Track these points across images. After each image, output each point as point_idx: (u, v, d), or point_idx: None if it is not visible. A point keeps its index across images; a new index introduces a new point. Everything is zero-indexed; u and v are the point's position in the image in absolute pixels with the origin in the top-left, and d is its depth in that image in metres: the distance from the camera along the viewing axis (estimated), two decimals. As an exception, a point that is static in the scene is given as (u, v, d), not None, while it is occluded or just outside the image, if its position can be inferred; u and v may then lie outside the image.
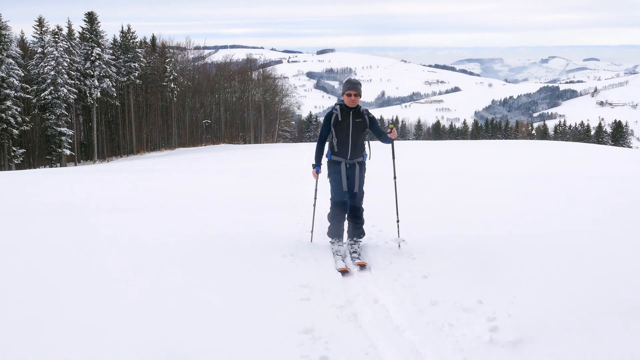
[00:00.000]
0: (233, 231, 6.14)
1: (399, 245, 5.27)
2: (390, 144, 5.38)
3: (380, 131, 5.29)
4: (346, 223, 5.37)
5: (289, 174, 13.70)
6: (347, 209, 5.29)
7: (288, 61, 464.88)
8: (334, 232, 5.30)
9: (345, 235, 5.50)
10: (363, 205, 5.39)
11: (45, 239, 5.73)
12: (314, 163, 5.38)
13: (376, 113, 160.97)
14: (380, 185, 8.31)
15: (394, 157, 5.58)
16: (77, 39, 46.77)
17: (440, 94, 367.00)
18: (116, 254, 5.12)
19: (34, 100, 41.24)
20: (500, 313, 3.52)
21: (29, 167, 41.42)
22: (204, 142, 57.80)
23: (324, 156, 5.34)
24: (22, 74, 40.00)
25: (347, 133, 5.13)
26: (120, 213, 7.44)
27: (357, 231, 5.33)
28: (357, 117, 5.15)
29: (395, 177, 5.67)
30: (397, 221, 5.56)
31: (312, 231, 5.77)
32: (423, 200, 8.31)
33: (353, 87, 5.14)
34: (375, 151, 5.64)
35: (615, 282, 4.10)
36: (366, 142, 5.36)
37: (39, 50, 42.34)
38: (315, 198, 5.87)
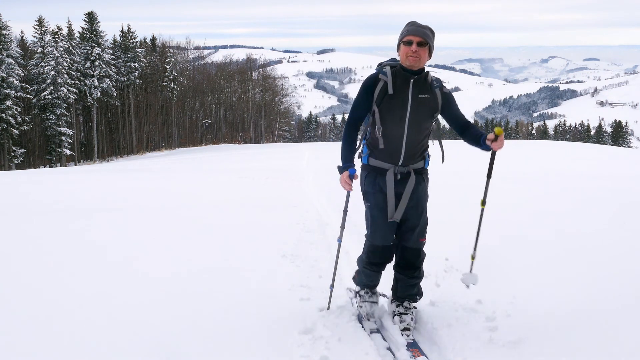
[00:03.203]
0: (232, 231, 6.14)
1: (468, 287, 3.49)
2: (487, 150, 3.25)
3: (462, 121, 3.32)
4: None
5: (289, 174, 13.70)
6: (394, 256, 3.48)
7: (288, 61, 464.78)
8: (366, 280, 3.55)
9: (381, 286, 3.65)
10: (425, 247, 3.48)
11: (42, 239, 5.73)
12: (342, 163, 3.31)
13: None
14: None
15: (489, 175, 3.40)
16: (77, 39, 46.78)
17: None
18: (115, 255, 5.12)
19: (34, 100, 41.24)
20: (500, 313, 3.52)
21: (29, 167, 41.41)
22: (204, 142, 57.80)
23: (357, 157, 3.47)
24: (22, 74, 40.01)
25: (403, 118, 3.15)
26: (121, 213, 7.44)
27: (412, 289, 3.47)
28: (421, 91, 3.16)
29: (484, 203, 3.44)
30: (473, 257, 3.52)
31: (331, 290, 3.71)
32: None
33: (418, 30, 3.10)
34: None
35: (616, 282, 4.10)
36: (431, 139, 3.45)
37: (39, 50, 42.35)
38: (342, 227, 3.59)
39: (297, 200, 8.72)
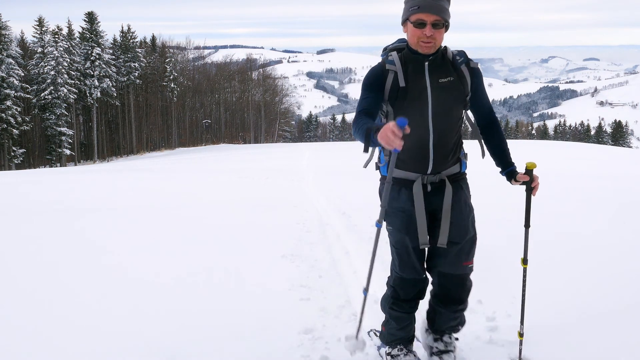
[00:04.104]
0: (232, 231, 6.14)
1: None
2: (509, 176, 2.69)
3: (487, 112, 2.70)
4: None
5: (289, 173, 13.70)
6: (425, 291, 2.82)
7: (288, 61, 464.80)
8: (397, 329, 2.83)
9: (418, 327, 2.99)
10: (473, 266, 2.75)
11: (42, 239, 5.73)
12: (369, 129, 2.25)
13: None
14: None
15: (527, 224, 2.84)
16: (77, 39, 46.80)
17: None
18: (115, 255, 5.12)
19: (34, 100, 41.24)
20: (500, 313, 3.52)
21: (29, 167, 41.42)
22: (204, 142, 57.82)
23: (374, 167, 2.81)
24: (22, 74, 40.02)
25: (424, 113, 2.51)
26: (121, 213, 7.44)
27: (454, 321, 2.83)
28: (442, 73, 2.52)
29: (525, 261, 2.84)
30: (520, 335, 2.87)
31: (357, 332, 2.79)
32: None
33: (432, 5, 2.38)
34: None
35: (616, 282, 4.10)
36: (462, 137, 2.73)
37: (39, 50, 42.36)
38: (373, 254, 2.66)
39: (297, 200, 8.72)
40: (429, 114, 2.51)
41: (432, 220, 2.65)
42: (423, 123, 2.52)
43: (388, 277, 2.86)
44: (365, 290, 2.73)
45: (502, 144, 2.70)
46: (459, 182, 2.68)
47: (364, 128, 2.26)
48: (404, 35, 2.62)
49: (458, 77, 2.54)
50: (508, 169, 2.67)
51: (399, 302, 2.77)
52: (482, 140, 2.72)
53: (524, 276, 2.87)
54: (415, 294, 2.76)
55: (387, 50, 2.69)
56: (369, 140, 2.22)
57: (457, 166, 2.67)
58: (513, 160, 2.70)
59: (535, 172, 2.64)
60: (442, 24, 2.42)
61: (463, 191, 2.68)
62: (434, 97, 2.50)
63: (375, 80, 2.55)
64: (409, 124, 2.13)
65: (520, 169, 2.67)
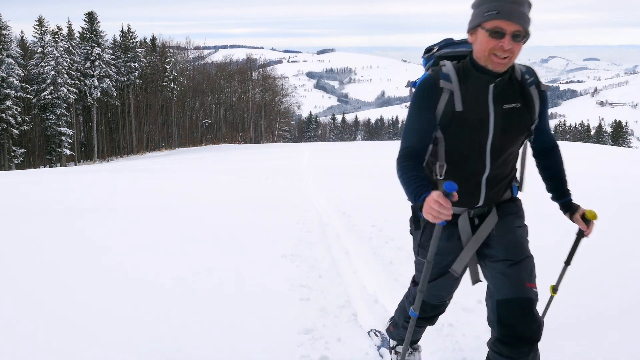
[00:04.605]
0: (232, 231, 6.14)
1: None
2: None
3: (548, 140, 2.35)
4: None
5: (289, 173, 13.70)
6: (447, 306, 2.60)
7: (288, 61, 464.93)
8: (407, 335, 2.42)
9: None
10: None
11: (42, 239, 5.73)
12: (419, 194, 1.93)
13: (376, 113, 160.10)
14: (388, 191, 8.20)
15: (568, 262, 2.72)
16: (77, 39, 46.82)
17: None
18: (115, 255, 5.12)
19: (34, 100, 41.26)
20: (500, 313, 3.52)
21: (29, 167, 41.43)
22: (204, 142, 57.85)
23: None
24: (22, 74, 40.05)
25: (482, 147, 2.11)
26: (121, 213, 7.44)
27: None
28: (508, 98, 2.09)
29: (555, 290, 2.73)
30: None
31: None
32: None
33: (514, 12, 1.93)
34: None
35: (616, 283, 4.10)
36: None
37: (39, 50, 42.38)
38: (412, 299, 2.56)
39: (297, 200, 8.71)
40: (487, 147, 2.09)
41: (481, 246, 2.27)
42: (479, 156, 2.11)
43: (408, 291, 2.63)
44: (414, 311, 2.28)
45: (561, 173, 2.38)
46: (512, 206, 2.31)
47: (412, 195, 1.95)
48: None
49: (525, 102, 2.10)
50: (564, 200, 2.38)
51: (417, 319, 2.47)
52: (538, 166, 2.41)
53: (548, 303, 2.77)
54: (435, 314, 2.59)
55: (434, 56, 2.21)
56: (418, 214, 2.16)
57: (507, 193, 2.30)
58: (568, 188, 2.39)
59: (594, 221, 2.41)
60: (522, 36, 1.95)
61: (518, 214, 2.32)
62: (497, 126, 2.07)
63: (428, 98, 2.09)
64: (462, 161, 2.05)
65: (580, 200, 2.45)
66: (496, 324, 2.11)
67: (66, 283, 4.24)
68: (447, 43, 2.25)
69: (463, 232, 2.23)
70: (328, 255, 5.13)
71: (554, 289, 2.67)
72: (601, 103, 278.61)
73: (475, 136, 2.08)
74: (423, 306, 2.45)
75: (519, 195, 2.39)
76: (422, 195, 1.89)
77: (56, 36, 42.35)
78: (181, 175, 14.08)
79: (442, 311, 2.60)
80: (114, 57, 48.74)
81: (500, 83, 2.05)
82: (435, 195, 1.79)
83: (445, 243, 2.26)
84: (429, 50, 2.29)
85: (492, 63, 1.99)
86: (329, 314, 3.62)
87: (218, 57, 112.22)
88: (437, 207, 1.78)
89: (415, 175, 1.99)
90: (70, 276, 4.42)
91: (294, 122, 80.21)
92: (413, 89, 2.20)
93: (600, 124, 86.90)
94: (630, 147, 74.61)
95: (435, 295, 2.46)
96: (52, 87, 40.77)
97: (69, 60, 42.63)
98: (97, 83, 45.20)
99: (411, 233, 2.44)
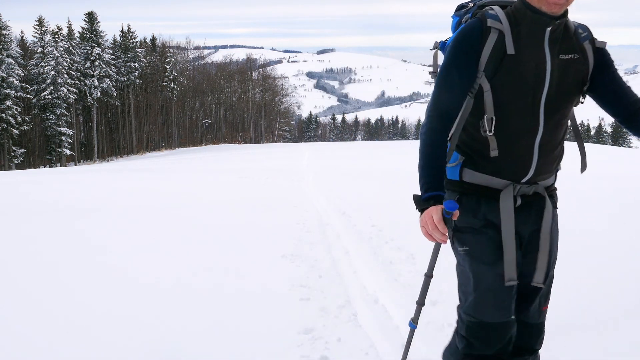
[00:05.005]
0: (232, 231, 6.14)
1: None
2: None
3: (629, 97, 1.94)
4: None
5: (289, 173, 13.71)
6: (513, 341, 1.98)
7: (288, 61, 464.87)
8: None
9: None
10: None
11: (42, 239, 5.73)
12: (424, 190, 1.80)
13: (376, 113, 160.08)
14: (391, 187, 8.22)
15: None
16: (77, 39, 46.84)
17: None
18: (115, 255, 5.12)
19: (34, 100, 41.28)
20: (500, 313, 3.52)
21: (29, 167, 41.43)
22: (204, 142, 57.87)
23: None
24: (22, 74, 40.07)
25: (537, 99, 1.81)
26: (120, 213, 7.44)
27: None
28: (564, 47, 1.83)
29: None
30: None
31: None
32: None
33: None
34: None
35: (616, 283, 4.10)
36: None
37: (39, 50, 42.40)
38: (418, 313, 2.28)
39: (297, 200, 8.71)
40: (542, 99, 1.80)
41: (523, 246, 1.97)
42: (531, 111, 1.80)
43: (456, 324, 2.04)
44: (413, 323, 2.23)
45: None
46: (553, 197, 2.04)
47: (423, 182, 1.79)
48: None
49: (582, 56, 1.85)
50: None
51: (472, 359, 1.92)
52: (626, 126, 1.98)
53: None
54: (498, 347, 1.89)
55: (475, 6, 1.94)
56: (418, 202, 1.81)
57: (552, 176, 2.01)
58: None
59: None
60: None
61: (555, 209, 2.05)
62: (553, 76, 1.79)
63: (470, 43, 1.79)
64: (513, 113, 1.76)
65: None
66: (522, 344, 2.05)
67: (66, 283, 4.23)
68: None
69: (506, 211, 1.84)
70: (328, 255, 5.13)
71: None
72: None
73: (528, 85, 1.79)
74: (482, 332, 1.90)
75: None
76: (428, 194, 1.76)
77: (56, 36, 42.37)
78: (181, 176, 14.08)
79: (508, 344, 1.92)
80: (114, 57, 48.75)
81: (558, 27, 1.78)
82: (433, 212, 1.69)
83: (483, 228, 1.88)
84: (463, 6, 2.03)
85: (546, 4, 1.73)
86: (329, 314, 3.61)
87: (218, 57, 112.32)
88: (431, 228, 1.70)
89: (434, 158, 1.81)
90: (70, 276, 4.42)
91: (294, 122, 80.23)
92: (442, 52, 2.04)
93: (600, 123, 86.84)
94: (630, 147, 74.53)
95: (495, 308, 1.87)
96: (52, 87, 40.78)
97: (69, 60, 42.65)
98: (97, 83, 45.20)
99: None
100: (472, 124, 1.89)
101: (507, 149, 1.82)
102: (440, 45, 2.10)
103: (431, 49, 2.17)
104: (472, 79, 1.81)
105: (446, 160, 1.91)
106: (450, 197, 1.94)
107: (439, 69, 1.93)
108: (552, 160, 1.92)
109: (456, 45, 1.83)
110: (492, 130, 1.81)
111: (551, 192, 2.01)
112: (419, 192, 1.82)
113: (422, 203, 1.78)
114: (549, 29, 1.76)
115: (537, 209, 1.94)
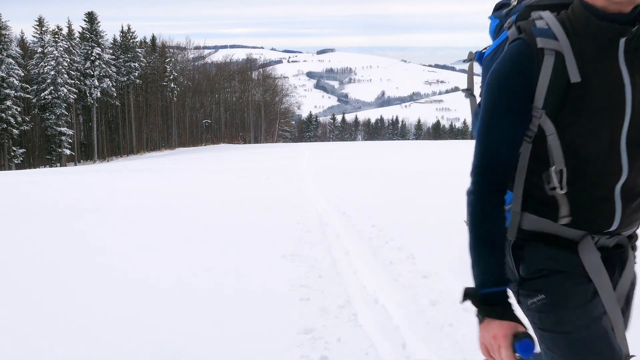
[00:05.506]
0: (232, 231, 6.14)
1: None
2: None
3: None
4: None
5: (289, 173, 13.71)
6: None
7: (288, 61, 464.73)
8: None
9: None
10: None
11: (42, 239, 5.73)
12: (482, 285, 1.37)
13: (376, 113, 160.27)
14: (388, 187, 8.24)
15: None
16: (77, 39, 46.84)
17: (440, 93, 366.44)
18: (115, 255, 5.12)
19: (34, 100, 41.29)
20: (500, 313, 3.51)
21: (29, 167, 41.44)
22: (204, 142, 57.89)
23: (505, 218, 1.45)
24: (22, 74, 40.07)
25: (614, 131, 1.28)
26: (120, 213, 7.44)
27: None
28: None
29: None
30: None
31: None
32: (425, 200, 8.29)
33: None
34: None
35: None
36: None
37: (39, 50, 42.40)
38: None
39: (297, 200, 8.72)
40: (622, 136, 1.31)
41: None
42: (609, 153, 1.32)
43: None
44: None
45: None
46: (634, 249, 1.53)
47: (478, 272, 1.42)
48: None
49: None
50: None
51: None
52: None
53: None
54: None
55: (520, 7, 1.45)
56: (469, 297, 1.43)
57: (638, 224, 1.48)
58: None
59: None
60: None
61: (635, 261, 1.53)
62: (636, 103, 1.30)
63: (518, 78, 1.32)
64: (587, 158, 1.31)
65: None
66: None
67: (66, 283, 4.24)
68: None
69: (594, 266, 1.39)
70: (328, 255, 5.13)
71: None
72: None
73: (603, 121, 1.30)
74: None
75: None
76: (486, 290, 1.36)
77: (56, 36, 42.37)
78: (181, 176, 14.08)
79: None
80: (114, 57, 48.75)
81: (635, 35, 1.27)
82: (503, 345, 1.27)
83: (582, 312, 1.37)
84: (503, 4, 1.57)
85: (611, 2, 1.24)
86: (329, 314, 3.61)
87: (218, 57, 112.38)
88: (496, 351, 1.30)
89: (491, 238, 1.41)
90: (70, 276, 4.42)
91: (294, 122, 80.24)
92: (479, 65, 1.60)
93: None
94: (630, 147, 74.54)
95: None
96: (52, 87, 40.78)
97: (69, 60, 42.65)
98: (97, 83, 45.21)
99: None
100: (533, 176, 1.41)
101: (582, 194, 1.36)
102: (477, 57, 1.67)
103: (464, 61, 1.76)
104: (528, 121, 1.35)
105: (505, 229, 1.46)
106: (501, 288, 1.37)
107: (477, 109, 1.57)
108: (637, 207, 1.43)
109: (501, 81, 1.35)
110: (564, 186, 1.34)
111: (633, 242, 1.52)
112: (471, 282, 1.41)
113: (480, 304, 1.37)
114: (623, 39, 1.27)
115: (619, 262, 1.48)
